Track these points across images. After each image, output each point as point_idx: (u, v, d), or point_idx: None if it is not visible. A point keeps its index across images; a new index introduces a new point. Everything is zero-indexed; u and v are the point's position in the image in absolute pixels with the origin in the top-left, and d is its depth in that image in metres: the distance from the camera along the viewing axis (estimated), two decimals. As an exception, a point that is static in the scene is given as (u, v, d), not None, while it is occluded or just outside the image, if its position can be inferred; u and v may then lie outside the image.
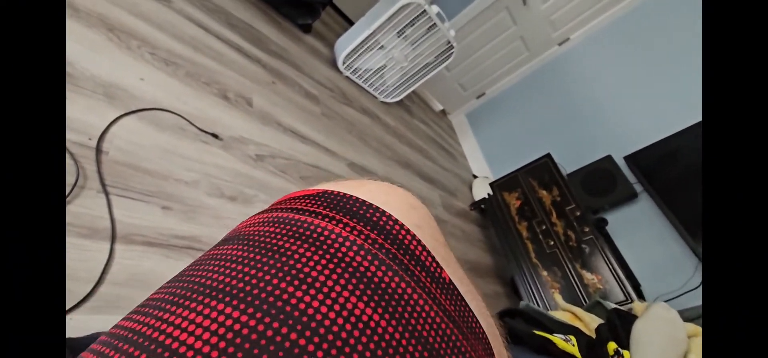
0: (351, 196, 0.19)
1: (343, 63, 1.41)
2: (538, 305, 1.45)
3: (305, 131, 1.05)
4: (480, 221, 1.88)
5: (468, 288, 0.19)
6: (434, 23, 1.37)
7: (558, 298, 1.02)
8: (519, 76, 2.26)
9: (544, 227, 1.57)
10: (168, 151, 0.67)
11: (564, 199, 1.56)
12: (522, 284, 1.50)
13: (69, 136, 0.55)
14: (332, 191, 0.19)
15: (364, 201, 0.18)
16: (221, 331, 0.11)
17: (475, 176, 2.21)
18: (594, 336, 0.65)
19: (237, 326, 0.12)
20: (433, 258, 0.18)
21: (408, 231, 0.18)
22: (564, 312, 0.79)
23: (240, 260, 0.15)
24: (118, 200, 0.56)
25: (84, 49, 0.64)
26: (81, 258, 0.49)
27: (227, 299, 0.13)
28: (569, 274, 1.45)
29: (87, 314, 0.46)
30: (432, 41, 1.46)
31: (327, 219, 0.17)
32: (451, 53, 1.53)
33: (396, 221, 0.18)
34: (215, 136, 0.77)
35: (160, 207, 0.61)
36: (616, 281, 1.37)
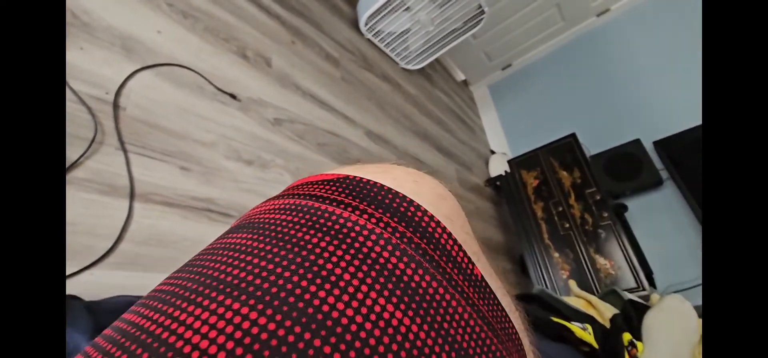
0: (376, 183, 0.17)
1: (366, 24, 1.34)
2: (547, 285, 1.45)
3: (324, 96, 1.02)
4: (494, 197, 1.85)
5: (498, 284, 0.18)
6: (465, -15, 1.28)
7: (572, 284, 1.01)
8: (550, 48, 2.13)
9: (560, 209, 1.53)
10: (185, 109, 0.66)
11: (585, 181, 1.51)
12: (531, 263, 1.49)
13: (86, 89, 0.53)
14: (355, 177, 0.17)
15: (390, 189, 0.17)
16: (238, 335, 0.10)
17: (492, 152, 2.15)
18: (608, 325, 0.64)
19: (254, 330, 0.10)
20: (465, 253, 0.16)
21: (438, 223, 0.16)
22: (578, 299, 0.78)
23: (253, 250, 0.13)
24: (137, 158, 0.55)
25: (100, -3, 0.61)
26: (101, 215, 0.49)
27: (242, 296, 0.11)
28: (582, 257, 1.43)
29: (107, 269, 0.47)
30: (462, 4, 1.36)
31: (350, 208, 0.15)
32: (482, 19, 1.43)
33: (425, 212, 0.16)
34: (233, 96, 0.75)
35: (179, 167, 0.60)
36: (630, 267, 1.35)
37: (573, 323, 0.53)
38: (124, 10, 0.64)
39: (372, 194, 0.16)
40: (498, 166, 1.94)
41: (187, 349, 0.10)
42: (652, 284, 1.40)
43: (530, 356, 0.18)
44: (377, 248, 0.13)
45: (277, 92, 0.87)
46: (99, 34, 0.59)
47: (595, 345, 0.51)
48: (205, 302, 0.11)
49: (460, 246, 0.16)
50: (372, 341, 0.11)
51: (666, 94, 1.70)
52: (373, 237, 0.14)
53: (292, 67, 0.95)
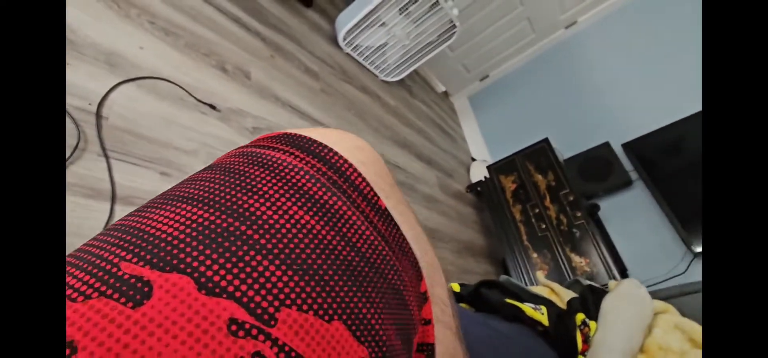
0: (305, 136, 0.22)
1: (344, 39, 1.41)
2: (527, 285, 1.50)
3: (303, 107, 1.07)
4: (475, 203, 1.90)
5: (407, 219, 0.23)
6: (437, 0, 1.36)
7: (539, 274, 1.06)
8: (524, 59, 2.24)
9: (537, 211, 1.59)
10: (167, 119, 0.70)
11: (559, 184, 1.58)
12: (512, 265, 1.54)
13: (70, 100, 0.57)
14: (291, 132, 0.22)
15: (314, 140, 0.22)
16: (187, 223, 0.15)
17: (473, 159, 2.22)
18: (566, 308, 0.68)
19: (200, 220, 0.15)
20: (371, 188, 0.21)
21: (350, 165, 0.21)
22: (543, 287, 0.83)
23: (210, 179, 0.18)
24: (118, 164, 0.59)
25: (85, 16, 0.66)
26: (83, 216, 0.52)
27: (195, 203, 0.16)
28: (558, 257, 1.49)
29: (90, 266, 0.50)
30: (435, 20, 1.44)
31: (281, 151, 0.20)
32: (454, 33, 1.52)
33: (341, 156, 0.21)
34: (213, 107, 0.79)
35: (159, 173, 0.64)
36: (604, 265, 1.40)
37: (526, 304, 0.57)
38: (108, 28, 0.68)
39: (300, 143, 0.21)
40: (479, 173, 2.01)
41: (152, 231, 0.15)
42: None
43: (440, 288, 0.23)
44: (297, 176, 0.18)
45: (256, 103, 0.91)
46: (84, 50, 0.63)
47: (547, 323, 0.55)
48: (170, 207, 0.16)
49: (367, 182, 0.21)
50: (283, 230, 0.15)
51: (632, 98, 1.81)
52: (295, 170, 0.19)
53: (271, 79, 1.01)
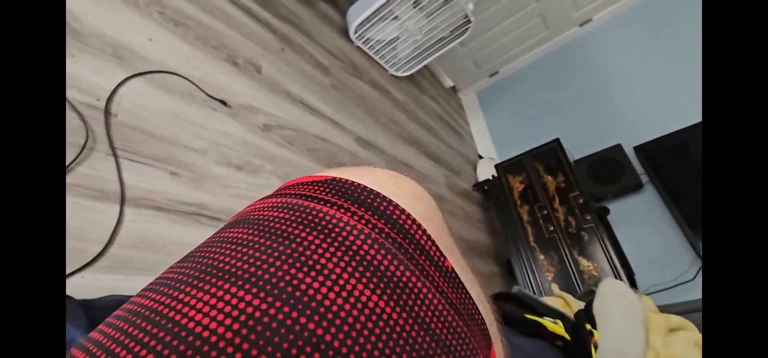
0: (359, 184, 0.19)
1: (355, 32, 1.37)
2: (532, 287, 1.49)
3: (314, 103, 1.04)
4: (482, 202, 1.88)
5: (468, 276, 0.20)
6: (451, -5, 1.32)
7: (554, 287, 1.04)
8: (535, 56, 2.19)
9: (545, 212, 1.57)
10: (176, 116, 0.67)
11: (568, 185, 1.56)
12: (518, 266, 1.53)
13: (77, 96, 0.55)
14: (340, 179, 0.19)
15: (371, 190, 0.18)
16: (235, 314, 0.12)
17: (480, 157, 2.20)
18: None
19: (250, 310, 0.12)
20: (438, 248, 0.18)
21: (414, 221, 0.18)
22: (557, 299, 0.82)
23: (250, 244, 0.15)
24: (127, 163, 0.57)
25: (89, 4, 0.62)
26: (91, 220, 0.50)
27: (240, 282, 0.13)
28: (565, 259, 1.47)
29: (97, 273, 0.48)
30: (449, 14, 1.40)
31: (335, 207, 0.17)
32: (468, 28, 1.47)
33: (403, 211, 0.18)
34: (224, 103, 0.76)
35: (169, 173, 0.62)
36: (612, 269, 1.39)
37: (545, 318, 0.55)
38: (115, 18, 0.65)
39: (355, 194, 0.18)
40: (486, 171, 1.98)
41: (191, 325, 0.12)
42: (633, 284, 1.45)
43: (498, 343, 0.20)
44: (358, 242, 0.15)
45: (267, 99, 0.88)
46: (90, 41, 0.60)
47: (567, 337, 0.54)
48: (207, 287, 0.13)
49: (433, 241, 0.18)
50: (350, 320, 0.13)
51: (645, 101, 1.77)
52: (355, 232, 0.16)
53: (281, 74, 0.97)
